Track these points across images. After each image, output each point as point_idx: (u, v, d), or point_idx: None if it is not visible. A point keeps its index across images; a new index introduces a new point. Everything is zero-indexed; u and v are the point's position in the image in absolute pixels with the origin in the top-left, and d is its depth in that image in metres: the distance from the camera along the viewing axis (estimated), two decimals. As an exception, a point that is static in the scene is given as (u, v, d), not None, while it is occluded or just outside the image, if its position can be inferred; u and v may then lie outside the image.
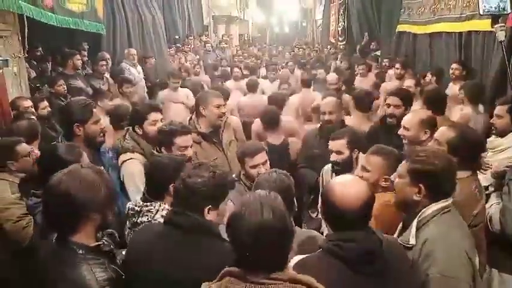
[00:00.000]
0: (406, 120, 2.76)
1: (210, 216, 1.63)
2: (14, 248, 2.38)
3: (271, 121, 3.73)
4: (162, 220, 1.77)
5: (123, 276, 1.56)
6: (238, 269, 1.27)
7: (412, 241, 1.72)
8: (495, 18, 3.58)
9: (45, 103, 4.05)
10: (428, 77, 5.39)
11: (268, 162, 2.60)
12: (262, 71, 8.22)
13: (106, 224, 1.62)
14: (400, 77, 5.70)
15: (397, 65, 5.90)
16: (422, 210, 1.75)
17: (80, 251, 1.48)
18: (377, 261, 1.49)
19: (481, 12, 3.89)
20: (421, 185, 1.73)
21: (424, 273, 1.64)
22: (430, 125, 2.66)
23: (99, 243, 1.55)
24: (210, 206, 1.63)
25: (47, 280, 1.46)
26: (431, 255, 1.64)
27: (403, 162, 1.84)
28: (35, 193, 2.03)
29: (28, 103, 3.77)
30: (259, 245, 1.22)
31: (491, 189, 2.59)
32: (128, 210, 2.10)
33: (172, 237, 1.60)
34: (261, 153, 2.57)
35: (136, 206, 2.07)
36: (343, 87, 5.45)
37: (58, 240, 1.52)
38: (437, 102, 3.49)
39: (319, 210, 2.60)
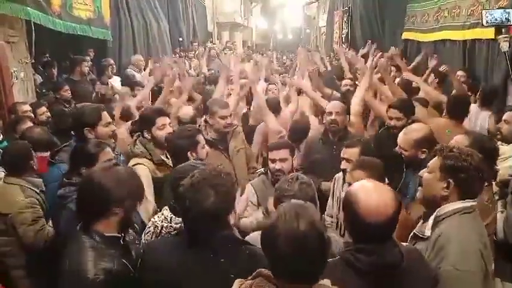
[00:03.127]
0: (401, 140, 2.62)
1: (232, 216, 1.55)
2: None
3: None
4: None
5: (132, 274, 1.57)
6: (270, 273, 1.23)
7: (428, 233, 1.71)
8: (499, 28, 3.60)
9: (44, 109, 3.97)
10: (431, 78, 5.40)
11: (290, 162, 2.63)
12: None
13: (130, 221, 1.71)
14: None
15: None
16: (443, 206, 1.72)
17: (97, 238, 1.56)
18: (397, 275, 1.42)
19: (484, 23, 3.91)
20: (450, 180, 1.71)
21: (436, 267, 1.60)
22: (428, 144, 2.48)
23: (114, 234, 1.60)
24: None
25: (61, 260, 1.56)
26: (444, 249, 1.61)
27: (435, 158, 1.81)
28: (70, 182, 2.10)
29: (26, 107, 3.76)
30: (296, 255, 1.17)
31: (496, 197, 2.60)
32: (160, 228, 1.87)
33: (205, 260, 1.48)
34: (280, 150, 2.64)
35: (170, 221, 1.85)
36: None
37: (81, 228, 1.62)
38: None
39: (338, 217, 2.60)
